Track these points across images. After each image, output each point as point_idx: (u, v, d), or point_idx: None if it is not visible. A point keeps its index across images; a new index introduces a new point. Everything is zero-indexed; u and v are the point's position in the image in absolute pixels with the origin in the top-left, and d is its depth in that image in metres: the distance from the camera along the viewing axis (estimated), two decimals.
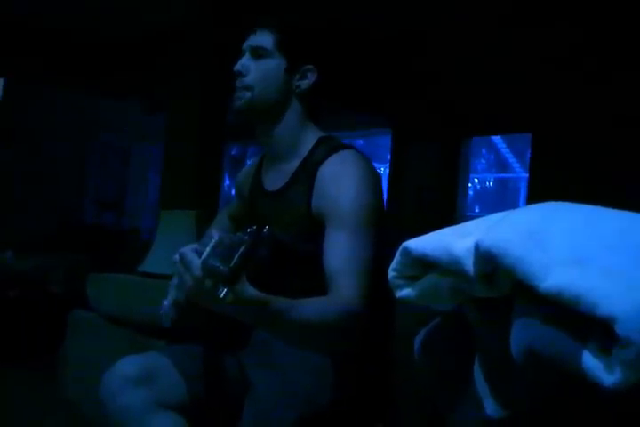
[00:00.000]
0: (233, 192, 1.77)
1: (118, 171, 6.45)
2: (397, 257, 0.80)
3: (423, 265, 0.78)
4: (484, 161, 11.64)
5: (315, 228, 1.32)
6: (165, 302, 1.32)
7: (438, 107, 5.71)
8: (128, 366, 1.34)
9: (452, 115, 5.67)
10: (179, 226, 2.72)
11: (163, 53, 4.81)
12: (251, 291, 1.07)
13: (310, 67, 1.41)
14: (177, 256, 1.13)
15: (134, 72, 5.32)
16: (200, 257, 1.04)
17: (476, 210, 10.77)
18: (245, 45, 1.43)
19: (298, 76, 1.41)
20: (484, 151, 11.14)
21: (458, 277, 0.73)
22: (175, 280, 1.34)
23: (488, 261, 0.68)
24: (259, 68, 1.40)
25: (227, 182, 8.06)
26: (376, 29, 4.48)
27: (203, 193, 4.26)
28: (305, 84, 1.41)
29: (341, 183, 1.30)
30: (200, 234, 2.29)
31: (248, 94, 1.40)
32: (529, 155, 5.61)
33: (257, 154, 1.77)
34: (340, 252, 1.25)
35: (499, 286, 0.70)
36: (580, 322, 0.60)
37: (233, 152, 9.03)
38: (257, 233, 1.03)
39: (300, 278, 1.39)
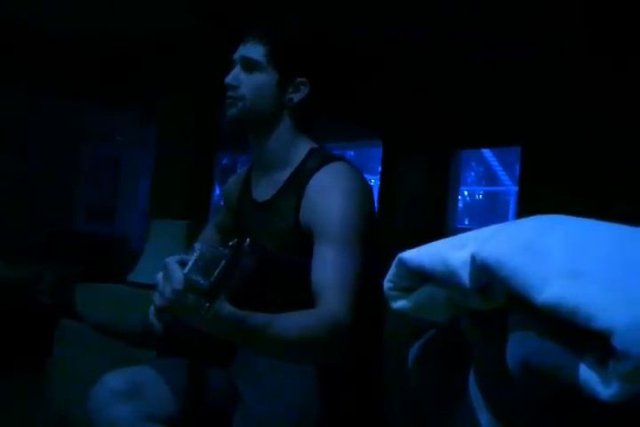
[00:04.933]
0: (222, 203, 1.76)
1: (109, 179, 6.42)
2: (393, 268, 0.79)
3: (419, 277, 0.77)
4: (473, 174, 11.69)
5: (302, 240, 1.31)
6: (151, 309, 1.30)
7: (429, 119, 5.74)
8: (116, 379, 1.33)
9: (443, 127, 5.70)
10: (169, 236, 2.71)
11: (155, 63, 4.82)
12: (227, 307, 1.05)
13: (303, 80, 1.40)
14: (163, 264, 1.12)
15: (126, 80, 5.33)
16: (183, 269, 1.04)
17: (466, 222, 10.79)
18: (236, 56, 1.42)
19: (290, 90, 1.41)
20: (473, 164, 11.20)
21: (453, 288, 0.73)
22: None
23: (484, 273, 0.68)
24: (251, 81, 1.39)
25: (217, 192, 8.05)
26: (367, 41, 4.51)
27: (193, 203, 4.25)
28: (297, 97, 1.41)
29: (331, 197, 1.29)
30: (190, 245, 2.28)
31: (240, 104, 1.40)
32: (518, 168, 5.65)
33: (247, 163, 1.76)
34: (328, 266, 1.23)
35: (494, 298, 0.70)
36: (576, 335, 0.60)
37: (224, 162, 9.03)
38: (238, 247, 1.02)
39: (285, 290, 1.38)
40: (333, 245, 1.25)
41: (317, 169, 1.35)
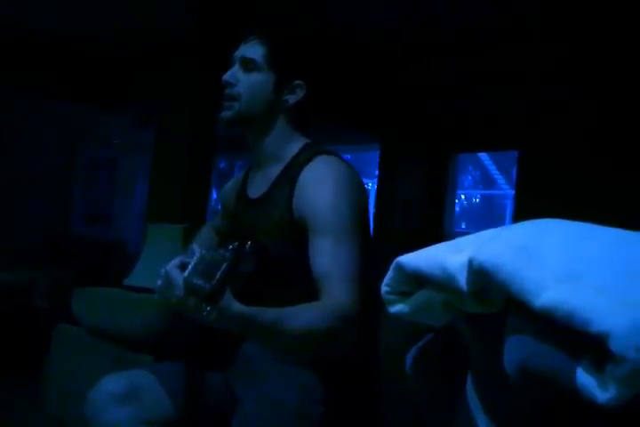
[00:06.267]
0: (219, 207, 1.77)
1: (106, 183, 6.42)
2: (390, 272, 0.79)
3: (416, 281, 0.77)
4: (470, 177, 11.71)
5: (297, 232, 1.32)
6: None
7: (426, 123, 5.75)
8: (113, 383, 1.33)
9: (440, 131, 5.72)
10: (166, 240, 2.71)
11: (153, 66, 4.82)
12: (236, 306, 1.06)
13: (300, 82, 1.42)
14: (162, 272, 1.13)
15: (125, 85, 5.33)
16: (183, 273, 1.04)
17: (463, 226, 10.82)
18: (236, 55, 1.44)
19: (286, 92, 1.42)
20: (470, 168, 11.22)
21: (451, 292, 0.73)
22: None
23: (481, 277, 0.68)
24: (248, 80, 1.41)
25: (214, 196, 8.05)
26: (365, 45, 4.52)
27: (190, 207, 4.25)
28: (293, 98, 1.42)
29: (322, 187, 1.30)
30: (187, 249, 2.27)
31: (236, 105, 1.41)
32: (515, 172, 5.66)
33: (244, 167, 1.77)
34: (327, 257, 1.24)
35: (492, 301, 0.70)
36: (573, 338, 0.60)
37: (221, 165, 9.04)
38: (239, 250, 1.03)
39: (284, 285, 1.39)
40: (329, 235, 1.26)
41: (308, 161, 1.36)
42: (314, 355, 1.33)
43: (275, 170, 1.43)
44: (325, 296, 1.21)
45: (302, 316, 1.16)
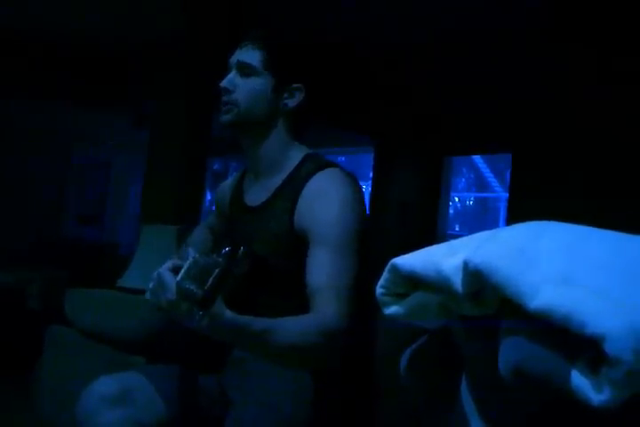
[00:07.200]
0: (214, 207, 1.77)
1: (99, 184, 6.40)
2: (385, 274, 0.79)
3: (411, 282, 0.77)
4: (464, 180, 11.74)
5: (296, 244, 1.32)
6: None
7: (420, 126, 5.76)
8: (105, 385, 1.33)
9: (434, 134, 5.73)
10: (159, 241, 2.71)
11: (148, 67, 4.81)
12: (228, 314, 1.06)
13: (298, 86, 1.41)
14: (155, 274, 1.12)
15: (119, 86, 5.32)
16: (176, 277, 1.04)
17: (456, 229, 10.85)
18: (232, 60, 1.43)
19: (285, 95, 1.42)
20: (464, 170, 11.25)
21: (446, 294, 0.73)
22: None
23: (476, 279, 0.68)
24: (246, 85, 1.40)
25: (208, 197, 8.04)
26: (360, 47, 4.52)
27: (184, 208, 4.24)
28: (292, 102, 1.42)
29: (326, 200, 1.30)
30: (180, 250, 2.27)
31: (235, 109, 1.40)
32: (509, 174, 5.68)
33: (239, 168, 1.76)
34: (323, 269, 1.24)
35: (487, 304, 0.70)
36: (568, 341, 0.60)
37: (215, 167, 9.02)
38: (232, 255, 1.02)
39: (280, 295, 1.39)
40: (329, 249, 1.25)
41: (312, 174, 1.36)
42: (296, 368, 1.32)
43: (276, 180, 1.43)
44: (316, 309, 1.21)
45: (291, 328, 1.16)
